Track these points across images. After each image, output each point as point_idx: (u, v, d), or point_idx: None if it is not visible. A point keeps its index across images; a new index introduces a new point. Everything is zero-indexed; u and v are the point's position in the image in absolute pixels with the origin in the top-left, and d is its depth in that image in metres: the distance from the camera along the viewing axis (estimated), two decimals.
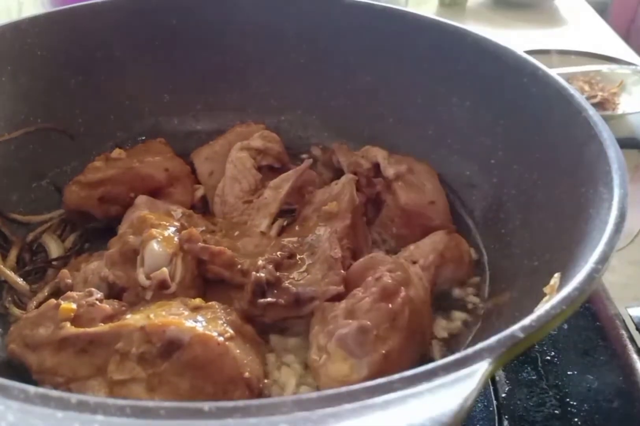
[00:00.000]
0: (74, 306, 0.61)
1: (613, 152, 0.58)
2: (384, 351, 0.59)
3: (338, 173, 0.91)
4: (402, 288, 0.64)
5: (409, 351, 0.62)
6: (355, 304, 0.64)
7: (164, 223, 0.73)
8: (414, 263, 0.71)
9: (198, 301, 0.65)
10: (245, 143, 0.90)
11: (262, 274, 0.68)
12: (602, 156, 0.58)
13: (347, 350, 0.59)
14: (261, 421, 0.32)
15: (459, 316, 0.74)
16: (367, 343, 0.59)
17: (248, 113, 1.01)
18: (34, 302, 0.73)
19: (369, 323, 0.60)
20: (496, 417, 0.68)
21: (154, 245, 0.69)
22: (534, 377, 0.73)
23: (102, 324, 0.60)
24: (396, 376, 0.35)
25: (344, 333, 0.60)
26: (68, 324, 0.60)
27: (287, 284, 0.68)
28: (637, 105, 1.26)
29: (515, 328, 0.40)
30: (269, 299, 0.67)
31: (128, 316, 0.62)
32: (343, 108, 1.00)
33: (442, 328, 0.72)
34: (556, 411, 0.69)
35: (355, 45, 0.95)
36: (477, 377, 0.36)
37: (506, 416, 0.68)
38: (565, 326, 0.78)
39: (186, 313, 0.61)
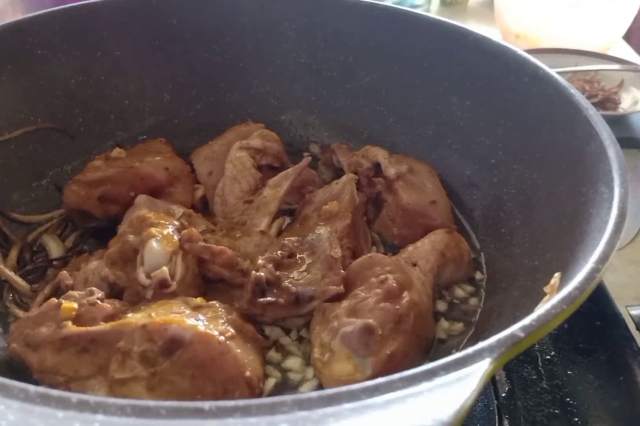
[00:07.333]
0: (75, 305, 0.61)
1: (613, 152, 0.58)
2: (388, 352, 0.59)
3: (338, 173, 0.91)
4: (406, 291, 0.63)
5: (412, 354, 0.62)
6: (357, 303, 0.63)
7: (164, 222, 0.73)
8: (414, 264, 0.71)
9: (199, 300, 0.65)
10: (244, 142, 0.89)
11: (262, 274, 0.68)
12: (602, 156, 0.58)
13: (352, 349, 0.59)
14: (261, 420, 0.31)
15: (458, 315, 0.74)
16: (372, 342, 0.59)
17: (248, 113, 1.01)
18: (35, 301, 0.73)
19: (373, 321, 0.60)
20: (496, 417, 0.68)
21: (153, 244, 0.68)
22: (534, 377, 0.73)
23: (104, 323, 0.60)
24: (396, 375, 0.34)
25: (348, 332, 0.60)
26: (69, 323, 0.60)
27: (286, 283, 0.68)
28: (637, 105, 1.26)
29: (515, 327, 0.40)
30: (269, 298, 0.67)
31: (129, 315, 0.62)
32: (343, 108, 1.00)
33: (441, 328, 0.72)
34: (556, 411, 0.69)
35: (355, 45, 0.95)
36: (477, 377, 0.36)
37: (506, 416, 0.68)
38: (565, 326, 0.78)
39: (187, 311, 0.61)
